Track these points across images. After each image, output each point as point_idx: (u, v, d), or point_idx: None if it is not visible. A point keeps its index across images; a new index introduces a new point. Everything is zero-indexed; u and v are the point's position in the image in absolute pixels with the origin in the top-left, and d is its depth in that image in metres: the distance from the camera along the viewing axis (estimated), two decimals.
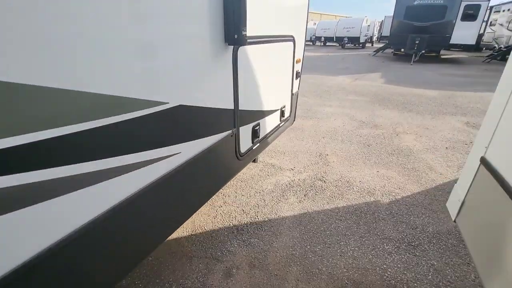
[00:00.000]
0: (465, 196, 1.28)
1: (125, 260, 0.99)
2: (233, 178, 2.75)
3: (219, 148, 1.36)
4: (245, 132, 1.60)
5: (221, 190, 2.58)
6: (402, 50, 13.49)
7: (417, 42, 11.79)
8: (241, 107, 1.48)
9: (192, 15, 1.04)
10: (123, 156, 0.87)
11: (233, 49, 1.29)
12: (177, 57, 0.99)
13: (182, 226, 2.15)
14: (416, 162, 3.17)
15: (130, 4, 0.80)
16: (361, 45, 21.38)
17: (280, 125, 2.20)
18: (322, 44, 24.40)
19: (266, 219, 2.24)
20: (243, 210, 2.34)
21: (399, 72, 9.61)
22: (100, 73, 0.75)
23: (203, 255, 1.89)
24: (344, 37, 21.02)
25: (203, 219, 2.23)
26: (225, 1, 1.14)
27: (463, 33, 12.30)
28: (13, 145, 0.60)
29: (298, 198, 2.51)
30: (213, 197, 2.46)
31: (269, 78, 1.84)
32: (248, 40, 1.42)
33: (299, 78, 2.45)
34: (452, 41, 12.33)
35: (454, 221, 1.35)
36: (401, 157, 3.30)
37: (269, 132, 2.00)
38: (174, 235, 2.06)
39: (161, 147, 0.98)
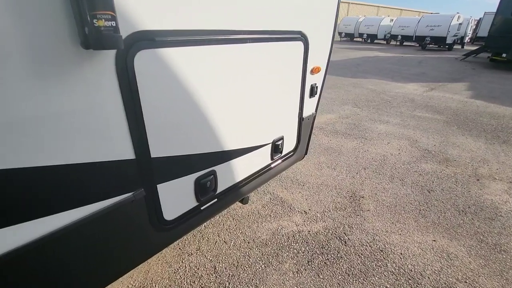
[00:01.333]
0: None
1: None
2: (223, 214, 2.16)
3: (90, 227, 0.77)
4: (174, 189, 0.97)
5: (203, 227, 2.02)
6: (504, 55, 10.59)
7: None
8: (159, 153, 0.87)
9: None
10: None
11: (117, 56, 0.68)
12: None
13: (131, 276, 1.66)
14: (505, 235, 2.05)
15: None
16: (447, 46, 17.98)
17: (273, 165, 1.49)
18: (397, 43, 21.46)
19: None
20: (215, 268, 1.73)
21: (494, 85, 7.47)
22: None
23: None
24: (426, 37, 17.96)
25: (159, 270, 1.70)
26: None
27: None
28: None
29: (297, 264, 1.76)
30: (188, 236, 1.92)
31: (242, 101, 1.15)
32: (174, 38, 0.78)
33: (316, 95, 1.67)
34: None
35: None
36: (478, 221, 2.19)
37: (244, 180, 1.32)
38: (114, 285, 1.57)
39: None
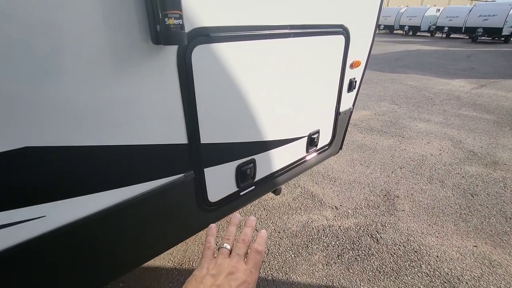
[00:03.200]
0: None
1: None
2: (254, 204, 2.25)
3: (148, 202, 0.88)
4: (218, 174, 1.06)
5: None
6: None
7: None
8: (207, 139, 0.95)
9: None
10: None
11: (179, 50, 0.76)
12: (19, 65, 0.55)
13: (171, 253, 1.82)
14: None
15: None
16: (502, 39, 16.15)
17: (307, 158, 1.51)
18: (443, 35, 19.74)
19: (269, 278, 1.66)
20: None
21: None
22: None
23: None
24: (477, 28, 16.28)
25: (196, 250, 1.83)
26: None
27: None
28: None
29: (326, 257, 1.79)
30: (221, 222, 2.04)
31: (283, 94, 1.19)
32: (221, 34, 0.85)
33: (355, 90, 1.65)
34: None
35: None
36: None
37: (280, 170, 1.37)
38: (157, 260, 1.74)
39: None
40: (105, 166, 0.75)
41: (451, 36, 19.55)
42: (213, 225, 0.50)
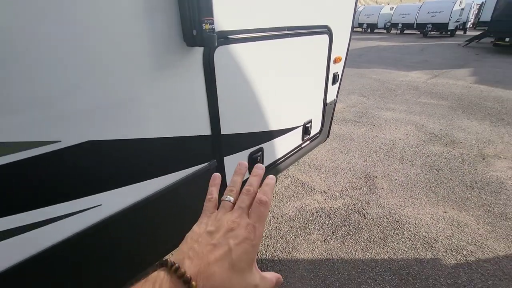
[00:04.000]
0: None
1: None
2: None
3: (182, 189, 0.98)
4: (235, 161, 1.18)
5: None
6: (507, 39, 10.62)
7: None
8: (226, 130, 1.07)
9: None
10: None
11: (204, 51, 0.88)
12: (78, 65, 0.63)
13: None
14: (510, 206, 2.24)
15: None
16: (449, 33, 17.91)
17: (303, 145, 1.69)
18: (398, 32, 21.36)
19: (276, 258, 1.80)
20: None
21: (498, 69, 7.56)
22: None
23: None
24: (427, 24, 17.88)
25: None
26: None
27: None
28: None
29: (323, 235, 1.98)
30: None
31: (283, 88, 1.35)
32: (237, 36, 0.98)
33: (338, 83, 1.86)
34: None
35: None
36: (485, 194, 2.39)
37: (282, 157, 1.53)
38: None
39: (54, 204, 0.66)
40: (149, 156, 0.84)
41: (405, 32, 21.20)
42: (216, 175, 0.42)
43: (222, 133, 1.05)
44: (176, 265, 0.28)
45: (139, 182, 0.83)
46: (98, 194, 0.74)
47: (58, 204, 0.67)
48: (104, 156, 0.73)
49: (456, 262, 1.75)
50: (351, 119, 4.19)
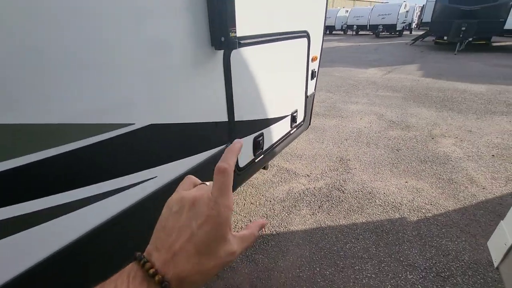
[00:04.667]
0: None
1: None
2: (242, 184, 2.60)
3: (209, 166, 1.20)
4: (244, 144, 1.43)
5: None
6: (445, 38, 12.15)
7: (464, 28, 10.50)
8: (238, 118, 1.31)
9: (168, 13, 0.88)
10: (87, 187, 0.76)
11: (224, 53, 1.12)
12: (143, 67, 0.84)
13: None
14: (454, 173, 2.77)
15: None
16: (397, 33, 19.80)
17: (291, 132, 1.98)
18: (354, 33, 23.01)
19: (274, 233, 2.07)
20: (250, 221, 2.19)
21: (440, 64, 8.68)
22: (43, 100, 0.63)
23: None
24: (378, 25, 19.58)
25: None
26: None
27: None
28: None
29: (311, 210, 2.29)
30: None
31: (276, 82, 1.63)
32: (245, 41, 1.23)
33: (315, 78, 2.19)
34: (508, 27, 10.80)
35: (497, 268, 1.07)
36: (435, 166, 2.90)
37: (277, 142, 1.80)
38: None
39: (126, 175, 0.85)
40: (189, 138, 1.05)
41: (360, 33, 22.90)
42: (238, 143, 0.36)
43: (235, 120, 1.29)
44: (144, 258, 0.28)
45: (183, 158, 1.04)
46: (154, 168, 0.94)
47: (130, 175, 0.86)
48: (159, 136, 0.93)
49: (417, 218, 2.17)
50: (322, 113, 4.62)
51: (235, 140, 0.35)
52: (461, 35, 10.64)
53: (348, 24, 22.33)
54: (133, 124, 0.83)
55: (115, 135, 0.78)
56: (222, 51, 1.11)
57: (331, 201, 2.39)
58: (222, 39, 0.99)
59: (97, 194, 0.79)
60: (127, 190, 0.86)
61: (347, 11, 23.23)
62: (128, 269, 0.28)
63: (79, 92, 0.70)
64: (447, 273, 1.71)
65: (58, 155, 0.67)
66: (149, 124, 0.88)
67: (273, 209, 2.32)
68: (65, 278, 0.80)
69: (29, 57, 0.60)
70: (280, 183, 2.67)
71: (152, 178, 0.94)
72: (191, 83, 1.01)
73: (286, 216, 2.23)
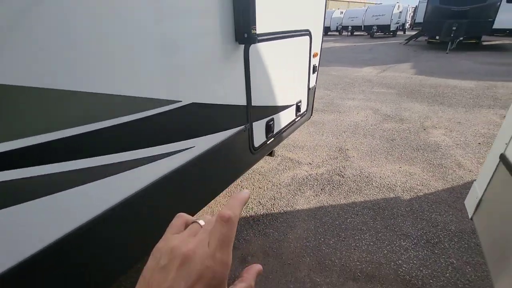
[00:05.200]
0: (483, 194, 1.23)
1: (136, 251, 1.09)
2: (250, 171, 2.83)
3: (232, 143, 1.43)
4: (258, 127, 1.66)
5: (238, 183, 2.68)
6: (437, 37, 12.52)
7: (454, 28, 10.86)
8: (254, 103, 1.54)
9: (204, 14, 1.11)
10: (138, 150, 0.98)
11: (245, 47, 1.35)
12: (188, 56, 1.07)
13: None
14: (444, 158, 3.02)
15: (148, 2, 0.89)
16: (391, 33, 20.18)
17: (296, 120, 2.22)
18: (349, 34, 23.39)
19: (282, 211, 2.30)
20: (259, 202, 2.42)
21: (432, 62, 9.01)
22: (122, 77, 0.86)
23: None
24: (373, 26, 19.96)
25: (221, 201, 2.34)
26: (234, 0, 1.20)
27: (509, 16, 11.06)
28: (49, 140, 0.72)
29: (314, 192, 2.53)
30: (231, 189, 2.56)
31: (284, 74, 1.86)
32: (260, 38, 1.46)
33: (316, 73, 2.44)
34: (496, 26, 11.17)
35: (471, 218, 1.31)
36: (427, 153, 3.16)
37: (284, 127, 2.03)
38: None
39: (173, 142, 1.08)
40: (220, 116, 1.29)
41: (355, 33, 23.27)
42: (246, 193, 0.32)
43: (252, 104, 1.52)
44: None
45: (212, 134, 1.27)
46: (193, 139, 1.16)
47: (177, 142, 1.08)
48: (198, 113, 1.16)
49: (410, 197, 2.42)
50: (321, 108, 4.87)
51: (244, 190, 0.31)
52: (452, 35, 11.00)
53: (343, 25, 22.68)
54: (181, 101, 1.05)
55: (169, 108, 1.00)
56: (243, 46, 1.34)
57: (332, 184, 2.63)
58: (245, 35, 1.23)
59: (155, 155, 1.02)
60: (173, 155, 1.09)
61: (341, 12, 23.60)
62: None
63: (153, 76, 0.94)
64: (436, 240, 1.95)
65: (136, 120, 0.90)
66: (192, 103, 1.11)
67: (279, 192, 2.55)
68: (133, 221, 1.03)
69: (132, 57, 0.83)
70: (285, 170, 2.90)
71: (191, 147, 1.16)
72: (219, 71, 1.24)
73: (292, 198, 2.46)
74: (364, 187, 2.58)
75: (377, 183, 2.64)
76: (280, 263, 1.81)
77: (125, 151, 0.91)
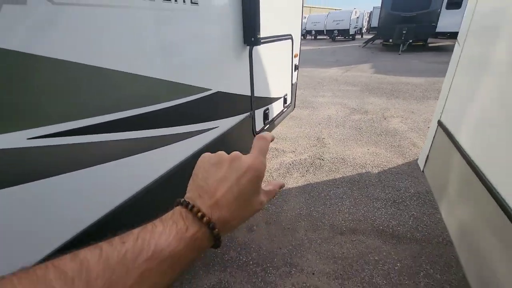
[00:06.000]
0: (429, 151, 1.71)
1: None
2: None
3: (241, 126, 1.76)
4: (258, 114, 2.01)
5: None
6: (391, 40, 13.93)
7: (404, 32, 12.22)
8: (256, 94, 1.88)
9: (223, 22, 1.44)
10: (186, 125, 1.28)
11: (250, 48, 1.69)
12: (215, 55, 1.39)
13: None
14: (402, 140, 3.62)
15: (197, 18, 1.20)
16: (351, 37, 21.78)
17: (284, 110, 2.61)
18: (312, 37, 24.71)
19: None
20: None
21: (387, 62, 10.08)
22: (178, 70, 1.17)
23: None
24: (334, 30, 21.39)
25: None
26: (244, 10, 1.54)
27: (449, 21, 12.67)
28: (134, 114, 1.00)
29: (301, 173, 2.94)
30: None
31: (274, 71, 2.24)
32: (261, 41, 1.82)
33: (297, 70, 2.86)
34: (438, 29, 12.76)
35: (422, 171, 1.79)
36: (388, 137, 3.74)
37: (276, 116, 2.41)
38: None
39: (205, 122, 1.39)
40: (233, 103, 1.61)
41: (318, 37, 24.67)
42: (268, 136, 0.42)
43: (254, 95, 1.87)
44: (191, 203, 0.31)
45: (231, 117, 1.59)
46: (217, 120, 1.47)
47: (207, 122, 1.39)
48: (222, 100, 1.47)
49: (378, 171, 2.93)
50: (297, 105, 5.30)
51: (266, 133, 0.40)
52: (403, 38, 12.36)
53: (307, 29, 23.92)
54: (211, 89, 1.37)
55: (205, 94, 1.32)
56: (248, 47, 1.69)
57: (314, 166, 3.06)
58: (252, 39, 1.57)
59: (195, 130, 1.32)
60: (206, 132, 1.39)
61: (305, 17, 24.87)
62: (176, 212, 0.31)
63: (197, 69, 1.26)
64: (400, 200, 2.45)
65: (183, 103, 1.20)
66: (218, 91, 1.42)
67: (271, 176, 2.91)
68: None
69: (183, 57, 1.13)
70: (273, 158, 3.28)
71: (216, 127, 1.48)
72: (233, 67, 1.57)
73: (283, 179, 2.84)
74: (341, 166, 3.05)
75: (351, 162, 3.12)
76: (281, 228, 2.17)
77: (180, 125, 1.21)
